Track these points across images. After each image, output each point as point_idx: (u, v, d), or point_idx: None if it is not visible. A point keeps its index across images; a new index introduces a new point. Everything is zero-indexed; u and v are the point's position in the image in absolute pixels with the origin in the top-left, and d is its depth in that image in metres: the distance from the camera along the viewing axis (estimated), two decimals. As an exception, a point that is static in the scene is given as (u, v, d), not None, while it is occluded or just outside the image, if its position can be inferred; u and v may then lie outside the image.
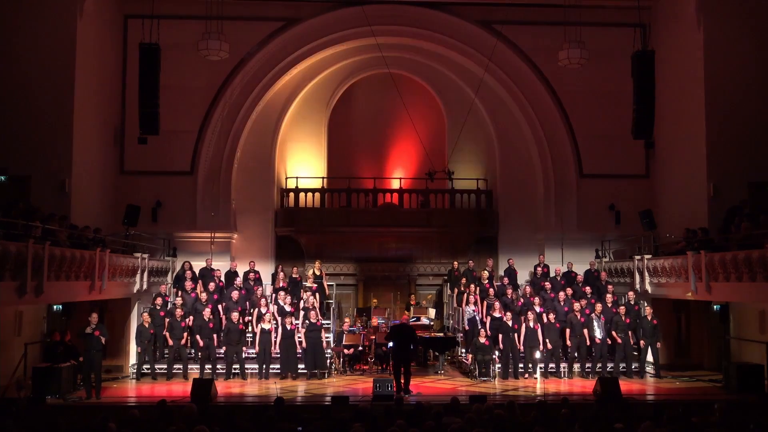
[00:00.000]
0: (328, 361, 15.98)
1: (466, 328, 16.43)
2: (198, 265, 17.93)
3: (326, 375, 15.58)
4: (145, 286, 16.82)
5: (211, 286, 16.70)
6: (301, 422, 8.85)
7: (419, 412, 9.23)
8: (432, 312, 18.66)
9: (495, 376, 15.09)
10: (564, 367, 15.87)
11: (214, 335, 15.71)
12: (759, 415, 9.21)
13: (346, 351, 16.36)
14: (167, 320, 15.75)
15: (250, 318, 16.43)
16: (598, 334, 15.57)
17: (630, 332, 15.80)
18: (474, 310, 16.37)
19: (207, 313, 15.64)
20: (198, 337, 15.50)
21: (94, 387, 13.47)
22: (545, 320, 15.82)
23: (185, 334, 15.70)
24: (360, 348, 16.48)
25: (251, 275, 17.56)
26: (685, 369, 16.48)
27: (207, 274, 17.62)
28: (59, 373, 13.34)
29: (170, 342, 15.53)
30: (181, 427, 8.24)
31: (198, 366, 15.59)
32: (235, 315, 15.57)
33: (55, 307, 15.37)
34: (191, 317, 15.90)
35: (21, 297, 11.45)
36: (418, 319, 17.34)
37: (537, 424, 8.41)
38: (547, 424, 8.58)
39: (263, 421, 8.70)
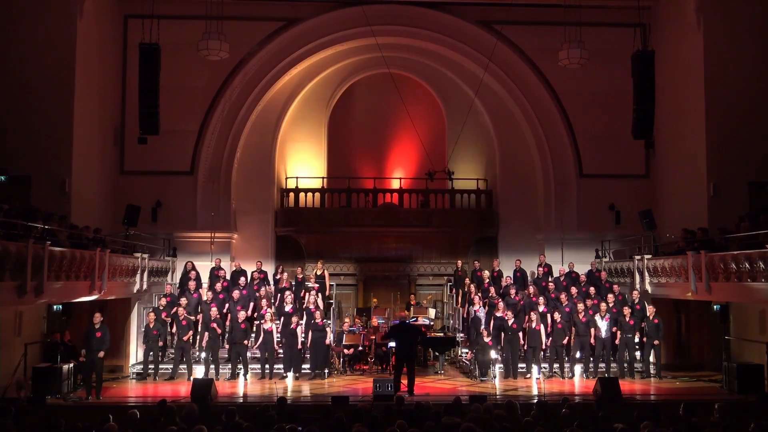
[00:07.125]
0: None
1: (467, 330, 16.42)
2: (203, 265, 17.87)
3: (327, 375, 15.58)
4: (145, 286, 16.81)
5: (218, 286, 16.67)
6: (302, 422, 8.83)
7: (419, 412, 9.22)
8: (432, 312, 18.64)
9: (495, 376, 15.08)
10: (566, 367, 15.84)
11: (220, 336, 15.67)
12: (759, 415, 9.20)
13: (346, 351, 16.33)
14: (171, 321, 15.70)
15: (258, 320, 16.32)
16: (603, 333, 15.56)
17: (636, 332, 15.76)
18: (476, 311, 16.36)
19: (214, 312, 15.59)
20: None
21: (95, 387, 13.45)
22: (549, 320, 15.81)
23: (190, 332, 15.64)
24: (360, 348, 16.47)
25: (255, 274, 17.53)
26: (685, 369, 16.46)
27: (212, 273, 17.61)
28: (59, 373, 13.33)
29: (173, 343, 15.48)
30: (181, 427, 8.24)
31: (203, 366, 15.57)
32: (241, 314, 15.54)
33: (55, 307, 15.31)
34: (200, 316, 15.86)
35: (21, 297, 11.44)
36: (417, 319, 17.32)
37: (537, 424, 8.41)
38: (547, 424, 8.57)
39: (264, 421, 8.69)
